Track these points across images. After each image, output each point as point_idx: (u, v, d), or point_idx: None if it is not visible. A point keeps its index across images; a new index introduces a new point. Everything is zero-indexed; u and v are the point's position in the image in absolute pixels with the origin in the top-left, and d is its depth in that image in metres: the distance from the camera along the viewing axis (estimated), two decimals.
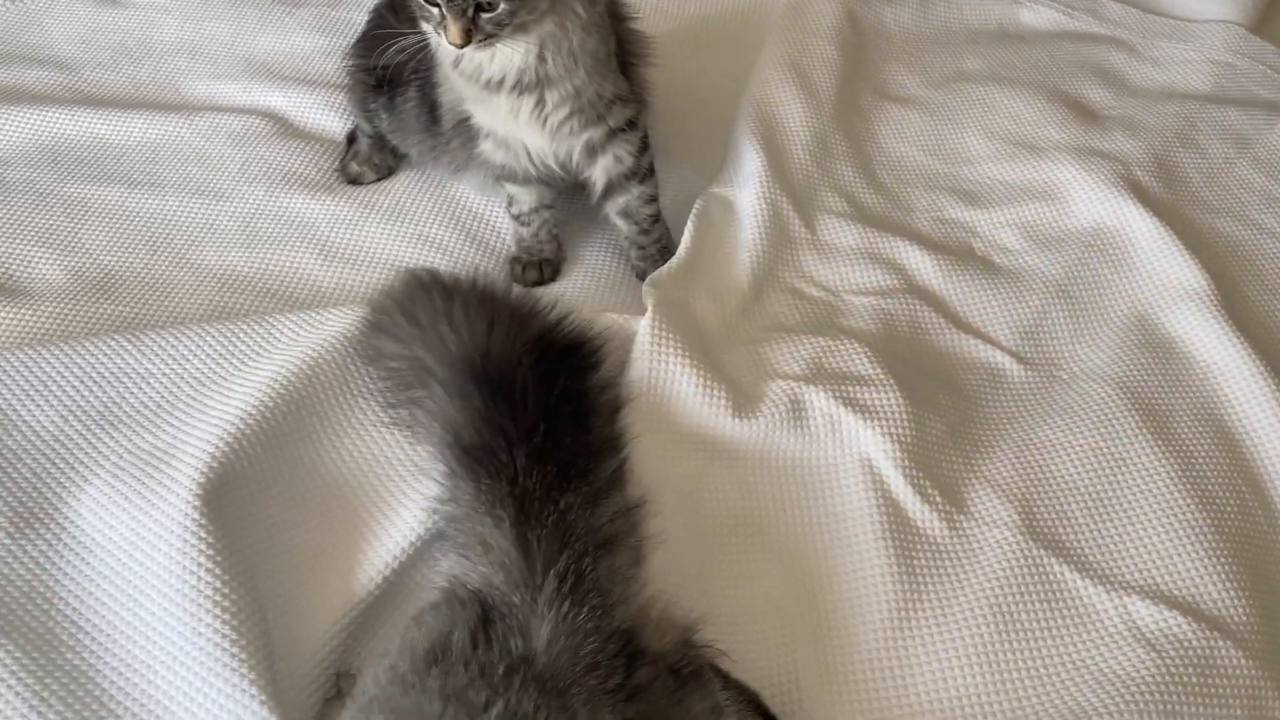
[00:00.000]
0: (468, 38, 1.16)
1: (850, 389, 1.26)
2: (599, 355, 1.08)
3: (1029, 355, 1.38)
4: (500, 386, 0.97)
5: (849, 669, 1.07)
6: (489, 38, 1.17)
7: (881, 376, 1.27)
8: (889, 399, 1.25)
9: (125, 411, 1.15)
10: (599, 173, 1.38)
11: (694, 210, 1.47)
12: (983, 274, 1.47)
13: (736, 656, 1.03)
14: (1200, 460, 1.26)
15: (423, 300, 1.12)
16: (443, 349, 1.05)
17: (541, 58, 1.23)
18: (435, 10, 1.16)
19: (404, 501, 1.11)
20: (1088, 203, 1.55)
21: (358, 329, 1.21)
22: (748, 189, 1.49)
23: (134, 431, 1.13)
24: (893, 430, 1.22)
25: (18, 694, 0.92)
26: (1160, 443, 1.26)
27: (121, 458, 1.10)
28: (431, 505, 1.00)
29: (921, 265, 1.47)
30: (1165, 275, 1.45)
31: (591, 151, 1.36)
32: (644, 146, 1.40)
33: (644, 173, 1.41)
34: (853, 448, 1.21)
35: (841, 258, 1.47)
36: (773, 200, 1.48)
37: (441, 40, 1.20)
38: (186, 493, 1.01)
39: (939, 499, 1.19)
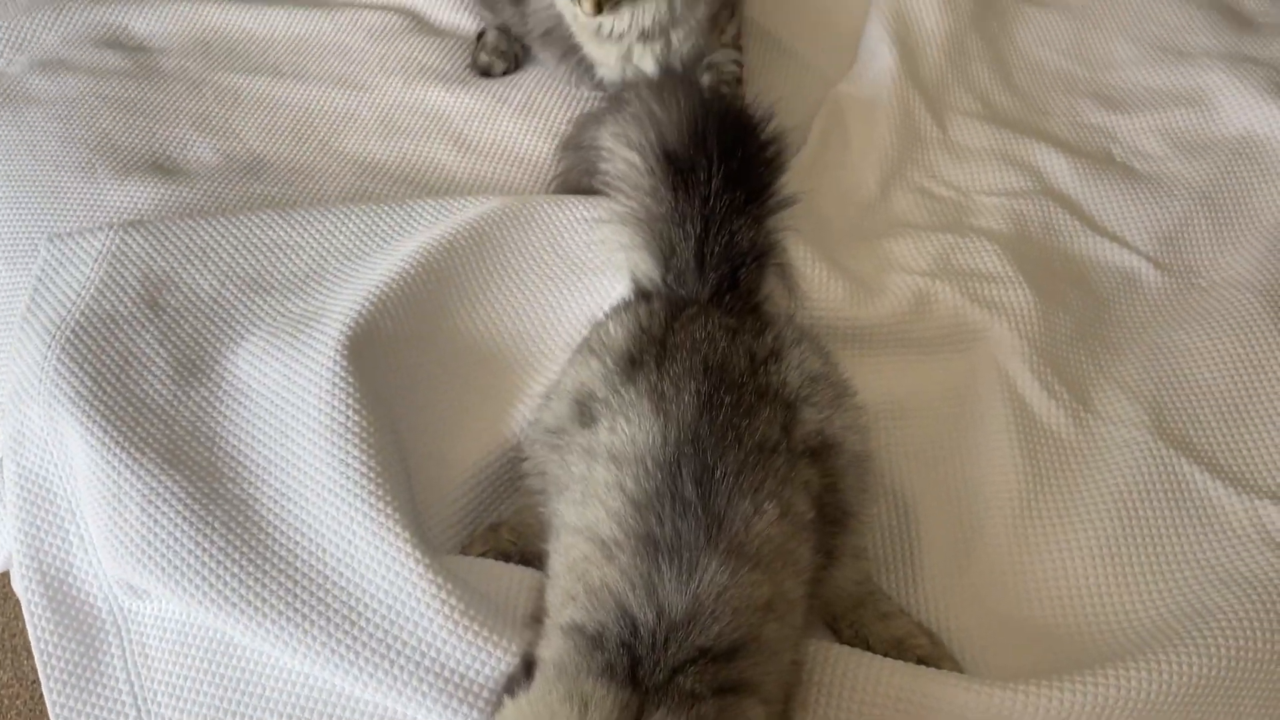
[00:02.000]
0: (599, 9, 1.24)
1: (978, 285, 1.25)
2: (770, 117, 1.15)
3: (1167, 261, 1.34)
4: (700, 102, 1.09)
5: (971, 557, 1.08)
6: (618, 3, 1.25)
7: (1011, 274, 1.26)
8: (1018, 295, 1.24)
9: (277, 279, 1.22)
10: (705, 78, 1.41)
11: (822, 108, 1.47)
12: (1122, 179, 1.43)
13: None
14: None
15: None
16: (645, 85, 1.17)
17: (671, 7, 1.28)
18: None
19: (535, 371, 1.16)
20: (1237, 109, 1.49)
21: (495, 215, 1.25)
22: (879, 87, 1.48)
23: (285, 296, 1.20)
24: (1021, 326, 1.21)
25: (185, 518, 1.00)
26: None
27: (274, 319, 1.17)
28: (630, 204, 1.10)
29: (1057, 168, 1.43)
30: None
31: (701, 62, 1.39)
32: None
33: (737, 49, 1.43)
34: (979, 342, 1.21)
35: (973, 158, 1.45)
36: (904, 98, 1.47)
37: (576, 11, 1.28)
38: (333, 344, 1.08)
39: (1066, 396, 1.18)
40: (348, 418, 1.03)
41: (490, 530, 1.08)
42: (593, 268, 1.24)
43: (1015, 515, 1.09)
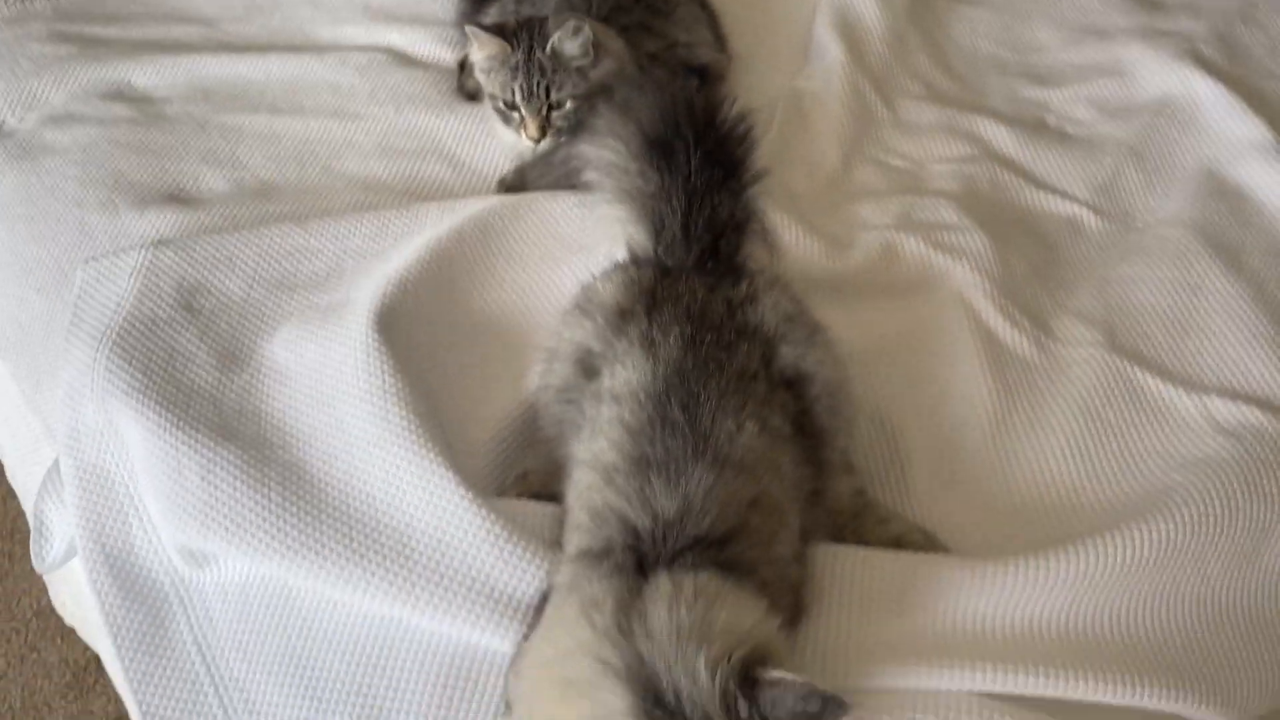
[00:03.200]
0: (543, 133, 1.43)
1: (938, 234, 1.38)
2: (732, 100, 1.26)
3: (1105, 208, 1.49)
4: (668, 93, 1.21)
5: (955, 467, 1.19)
6: (559, 130, 1.44)
7: (967, 223, 1.40)
8: (975, 240, 1.37)
9: (301, 279, 1.33)
10: None
11: (781, 101, 1.61)
12: (1057, 142, 1.58)
13: None
14: (1271, 285, 1.36)
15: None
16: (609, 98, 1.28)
17: None
18: (515, 114, 1.44)
19: (541, 338, 1.27)
20: (1154, 75, 1.65)
21: (496, 208, 1.37)
22: (831, 78, 1.62)
23: (310, 293, 1.30)
24: (981, 266, 1.34)
25: (242, 481, 1.09)
26: (1233, 271, 1.37)
27: (303, 312, 1.27)
28: (622, 184, 1.20)
29: (998, 136, 1.58)
30: (1231, 132, 1.55)
31: None
32: None
33: None
34: (944, 282, 1.33)
35: (922, 133, 1.59)
36: (855, 85, 1.62)
37: (520, 137, 1.45)
38: (364, 321, 1.18)
39: (1027, 324, 1.31)
40: (384, 380, 1.13)
41: (519, 479, 1.18)
42: (585, 247, 1.35)
43: (991, 427, 1.21)
